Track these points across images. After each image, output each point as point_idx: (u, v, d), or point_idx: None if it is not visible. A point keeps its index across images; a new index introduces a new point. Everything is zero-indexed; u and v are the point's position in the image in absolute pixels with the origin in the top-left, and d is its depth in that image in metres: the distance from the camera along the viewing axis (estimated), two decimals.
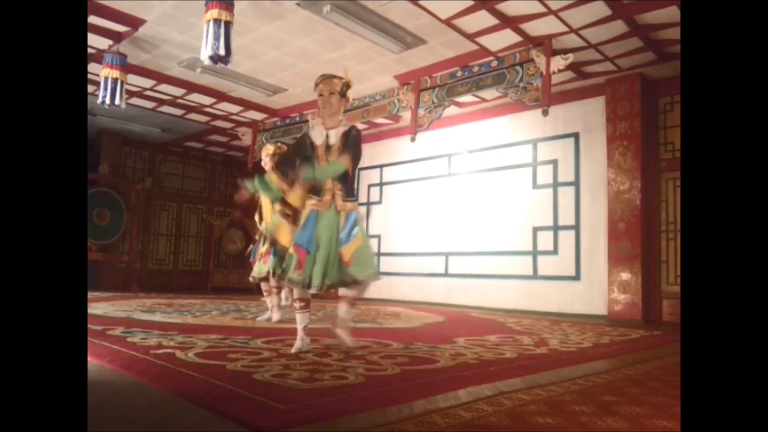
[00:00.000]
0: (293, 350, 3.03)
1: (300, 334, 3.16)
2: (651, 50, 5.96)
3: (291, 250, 3.07)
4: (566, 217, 7.18)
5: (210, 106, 8.81)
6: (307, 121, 8.69)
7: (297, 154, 3.28)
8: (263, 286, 4.99)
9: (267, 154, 4.84)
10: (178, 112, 9.13)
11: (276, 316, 4.81)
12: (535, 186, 7.58)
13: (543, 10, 5.20)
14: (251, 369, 2.45)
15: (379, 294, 9.38)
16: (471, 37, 5.82)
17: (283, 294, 5.01)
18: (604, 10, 5.15)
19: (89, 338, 3.20)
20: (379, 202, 9.75)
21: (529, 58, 5.92)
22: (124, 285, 10.01)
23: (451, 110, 7.89)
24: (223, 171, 12.63)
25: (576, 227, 7.04)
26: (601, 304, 6.66)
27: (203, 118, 9.46)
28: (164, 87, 7.93)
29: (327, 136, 3.26)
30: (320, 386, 2.15)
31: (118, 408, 1.84)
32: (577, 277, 6.95)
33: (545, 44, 5.77)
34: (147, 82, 7.75)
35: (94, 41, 6.27)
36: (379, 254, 9.69)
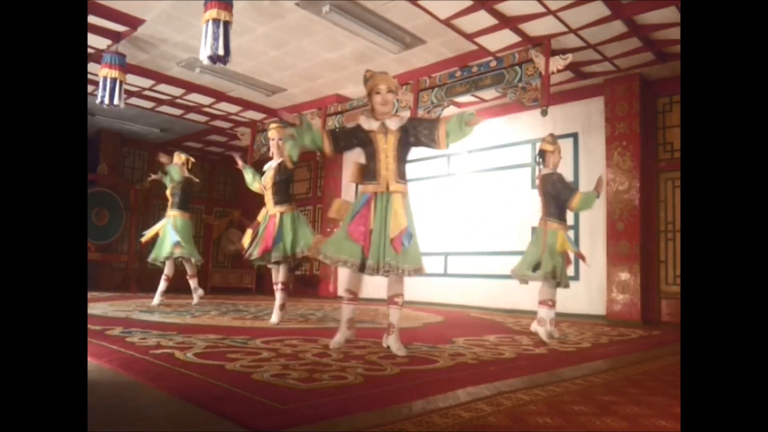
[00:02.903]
0: None
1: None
2: (650, 50, 5.96)
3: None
4: None
5: (209, 106, 8.81)
6: None
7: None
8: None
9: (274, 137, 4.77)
10: (177, 112, 9.13)
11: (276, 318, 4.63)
12: (534, 186, 7.57)
13: (542, 10, 5.20)
14: (250, 369, 2.44)
15: (378, 294, 9.38)
16: (470, 37, 5.83)
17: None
18: (603, 11, 5.16)
19: (88, 338, 3.19)
20: None
21: (528, 58, 5.93)
22: (123, 285, 10.00)
23: (450, 110, 7.88)
24: (222, 171, 12.62)
25: (575, 227, 7.04)
26: (600, 304, 6.66)
27: (202, 118, 9.46)
28: (163, 87, 7.93)
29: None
30: (319, 386, 2.14)
31: (118, 408, 1.84)
32: (576, 277, 6.94)
33: (544, 44, 5.78)
34: (146, 82, 7.75)
35: (93, 41, 6.27)
36: None
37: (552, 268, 4.05)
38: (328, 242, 3.24)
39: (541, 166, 4.42)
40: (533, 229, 7.47)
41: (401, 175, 3.23)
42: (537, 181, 4.51)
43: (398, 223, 3.07)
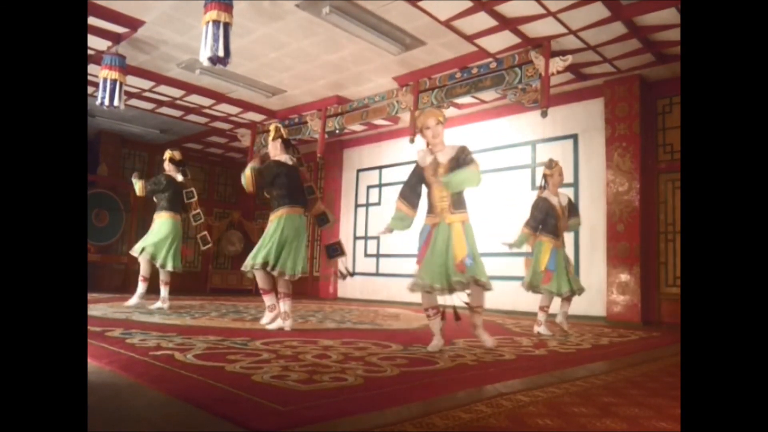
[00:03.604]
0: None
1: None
2: (650, 52, 5.97)
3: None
4: None
5: (209, 108, 8.81)
6: (306, 122, 8.69)
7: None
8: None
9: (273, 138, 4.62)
10: (177, 113, 9.13)
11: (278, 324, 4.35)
12: (534, 187, 7.58)
13: (542, 11, 5.21)
14: (250, 370, 2.44)
15: (378, 295, 9.38)
16: (470, 38, 5.83)
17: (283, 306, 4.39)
18: (603, 12, 5.16)
19: (88, 340, 3.19)
20: (378, 204, 9.76)
21: (528, 60, 5.93)
22: (123, 286, 9.99)
23: (450, 111, 7.89)
24: (222, 172, 12.63)
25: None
26: (600, 305, 6.66)
27: (202, 120, 9.46)
28: (163, 88, 7.93)
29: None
30: (319, 387, 2.14)
31: (118, 410, 1.83)
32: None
33: (544, 46, 5.78)
34: (146, 84, 7.75)
35: (94, 42, 6.27)
36: (378, 255, 9.69)
37: (529, 280, 4.58)
38: (419, 271, 3.43)
39: (545, 187, 4.82)
40: None
41: (457, 204, 3.45)
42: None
43: (459, 252, 3.34)
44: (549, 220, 4.65)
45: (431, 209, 3.51)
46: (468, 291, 3.46)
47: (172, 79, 7.64)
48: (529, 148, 7.72)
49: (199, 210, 6.28)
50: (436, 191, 3.48)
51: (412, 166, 3.73)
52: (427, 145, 3.61)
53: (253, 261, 4.25)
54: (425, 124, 3.54)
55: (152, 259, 5.87)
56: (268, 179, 4.43)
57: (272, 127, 4.68)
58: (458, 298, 3.53)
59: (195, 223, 6.26)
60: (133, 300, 5.94)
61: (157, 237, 5.88)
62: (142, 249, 5.88)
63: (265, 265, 4.22)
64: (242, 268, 4.41)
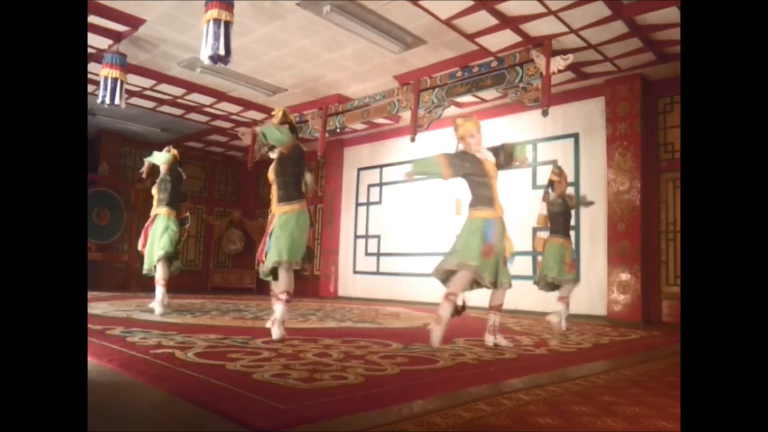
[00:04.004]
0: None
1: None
2: (651, 51, 5.96)
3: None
4: None
5: (210, 106, 8.81)
6: (306, 121, 8.68)
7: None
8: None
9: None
10: (178, 111, 9.13)
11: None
12: (534, 186, 7.59)
13: (543, 10, 5.20)
14: (251, 369, 2.44)
15: (378, 294, 9.38)
16: (471, 37, 5.83)
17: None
18: (604, 11, 5.16)
19: (89, 338, 3.19)
20: (379, 202, 9.76)
21: (528, 59, 5.92)
22: (124, 285, 10.00)
23: (451, 110, 7.88)
24: (223, 171, 12.63)
25: (576, 228, 7.03)
26: (601, 304, 6.66)
27: (203, 118, 9.46)
28: (164, 87, 7.94)
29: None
30: (320, 386, 2.15)
31: (118, 408, 1.84)
32: (576, 278, 6.94)
33: (545, 44, 5.77)
34: (147, 82, 7.75)
35: (94, 41, 6.27)
36: (378, 254, 9.68)
37: (557, 273, 4.84)
38: (468, 254, 3.63)
39: (550, 193, 5.02)
40: (534, 230, 7.53)
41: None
42: (544, 203, 5.14)
43: (510, 247, 3.63)
44: (558, 219, 4.90)
45: (489, 203, 3.60)
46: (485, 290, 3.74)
47: (173, 77, 7.64)
48: (529, 147, 7.70)
49: (188, 214, 5.91)
50: (495, 185, 3.63)
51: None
52: (467, 148, 3.70)
53: (291, 258, 3.61)
54: (470, 133, 3.65)
55: (170, 260, 5.46)
56: (296, 154, 3.96)
57: (279, 111, 4.23)
58: (461, 295, 3.71)
59: (182, 226, 5.83)
60: (160, 308, 5.20)
61: (176, 237, 5.48)
62: (164, 252, 5.35)
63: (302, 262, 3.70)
64: (272, 263, 3.63)
